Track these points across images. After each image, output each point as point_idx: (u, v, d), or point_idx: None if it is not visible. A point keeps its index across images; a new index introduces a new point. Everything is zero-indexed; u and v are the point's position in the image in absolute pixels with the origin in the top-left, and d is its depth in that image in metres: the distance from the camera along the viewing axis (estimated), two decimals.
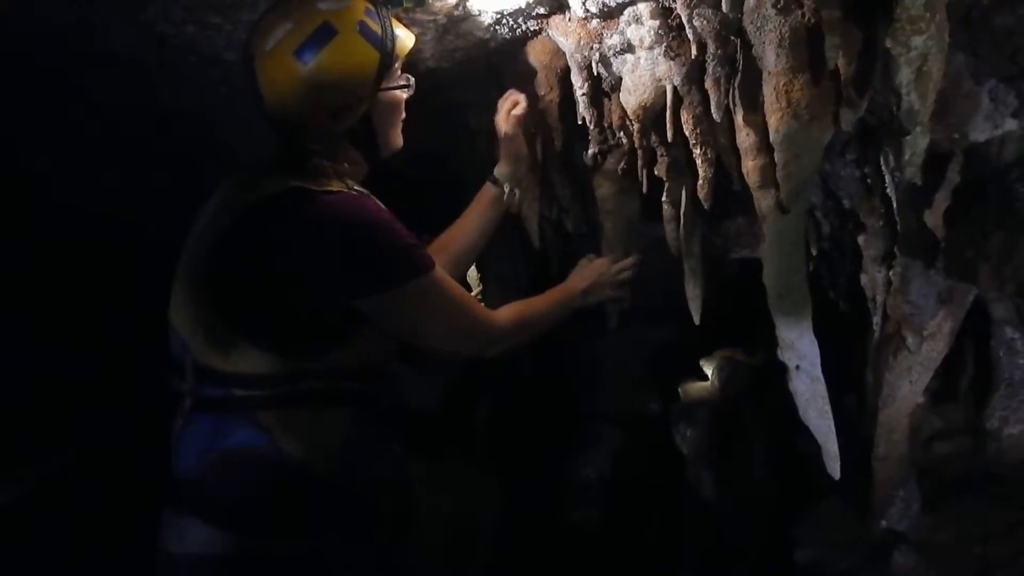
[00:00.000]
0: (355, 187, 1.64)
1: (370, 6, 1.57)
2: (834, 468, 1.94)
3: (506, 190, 2.20)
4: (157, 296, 1.71)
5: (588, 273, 2.16)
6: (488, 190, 2.21)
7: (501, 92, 2.75)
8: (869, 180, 2.03)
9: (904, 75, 1.31)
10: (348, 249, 1.52)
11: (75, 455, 3.45)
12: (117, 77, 2.67)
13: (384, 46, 1.56)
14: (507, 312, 1.82)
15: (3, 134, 3.00)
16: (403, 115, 1.72)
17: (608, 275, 2.17)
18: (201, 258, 1.59)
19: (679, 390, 3.93)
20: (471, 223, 2.19)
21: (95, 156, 3.30)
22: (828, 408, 1.96)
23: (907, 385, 2.02)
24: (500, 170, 2.23)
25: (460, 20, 2.22)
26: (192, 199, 1.72)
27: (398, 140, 1.73)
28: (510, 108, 2.20)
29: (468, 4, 2.12)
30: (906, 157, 1.43)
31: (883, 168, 1.90)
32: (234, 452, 1.56)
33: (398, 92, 1.67)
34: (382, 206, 1.64)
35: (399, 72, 1.67)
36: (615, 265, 2.21)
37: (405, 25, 1.68)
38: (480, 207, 2.20)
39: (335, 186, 1.57)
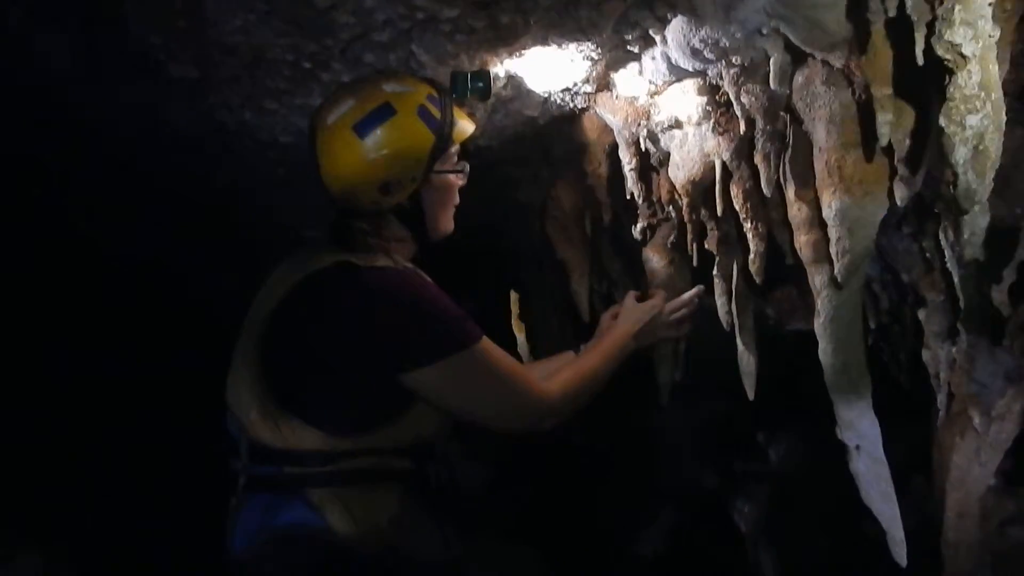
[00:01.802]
0: (403, 263, 1.65)
1: (434, 93, 1.61)
2: (900, 555, 1.83)
3: None
4: (215, 370, 1.73)
5: (639, 315, 1.97)
6: (570, 357, 2.11)
7: (551, 167, 2.79)
8: (928, 254, 1.97)
9: (960, 154, 1.27)
10: (391, 322, 1.52)
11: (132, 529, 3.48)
12: (179, 157, 2.79)
13: (441, 130, 1.59)
14: (559, 383, 1.74)
15: (72, 208, 3.13)
16: (456, 200, 1.72)
17: (664, 315, 1.97)
18: (253, 334, 1.61)
19: None
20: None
21: (155, 231, 3.42)
22: (892, 491, 1.87)
23: (976, 468, 1.92)
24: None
25: (508, 100, 2.26)
26: (248, 274, 1.75)
27: (448, 224, 1.74)
28: (615, 314, 2.10)
29: (516, 83, 2.16)
30: (965, 236, 1.38)
31: (943, 242, 1.84)
32: (286, 531, 1.55)
33: (451, 176, 1.68)
34: (428, 280, 1.64)
35: (456, 158, 1.69)
36: (671, 303, 1.98)
37: (468, 115, 1.70)
38: (555, 366, 2.09)
39: (382, 262, 1.58)
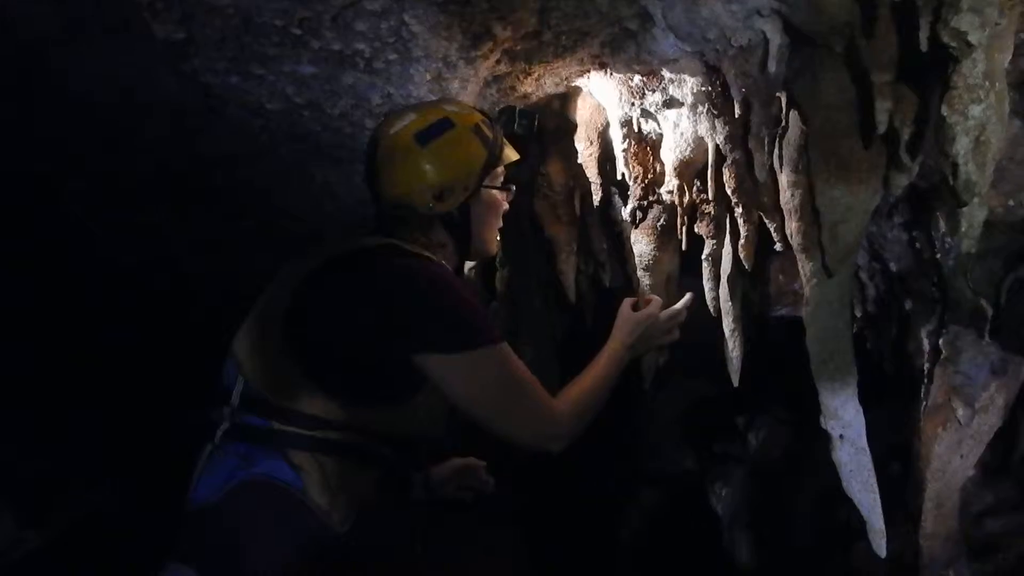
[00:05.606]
0: (441, 260, 1.70)
1: (487, 119, 1.76)
2: (880, 545, 1.84)
3: None
4: (190, 335, 1.71)
5: (635, 325, 1.97)
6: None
7: (542, 144, 2.76)
8: (918, 244, 1.97)
9: (961, 144, 1.25)
10: (425, 302, 1.58)
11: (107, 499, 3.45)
12: (164, 123, 2.72)
13: (493, 148, 1.73)
14: (568, 403, 1.74)
15: (51, 172, 3.06)
16: (500, 222, 1.81)
17: (660, 323, 2.03)
18: (283, 294, 1.64)
19: None
20: None
21: (140, 197, 3.35)
22: (873, 481, 1.87)
23: (957, 459, 1.93)
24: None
25: (503, 75, 2.22)
26: (233, 243, 1.73)
27: (492, 244, 1.82)
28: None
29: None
30: (963, 228, 1.37)
31: (933, 233, 1.84)
32: (260, 480, 1.56)
33: (498, 193, 1.78)
34: (460, 279, 1.70)
35: (501, 180, 1.79)
36: (666, 311, 1.95)
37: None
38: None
39: (425, 254, 1.66)
